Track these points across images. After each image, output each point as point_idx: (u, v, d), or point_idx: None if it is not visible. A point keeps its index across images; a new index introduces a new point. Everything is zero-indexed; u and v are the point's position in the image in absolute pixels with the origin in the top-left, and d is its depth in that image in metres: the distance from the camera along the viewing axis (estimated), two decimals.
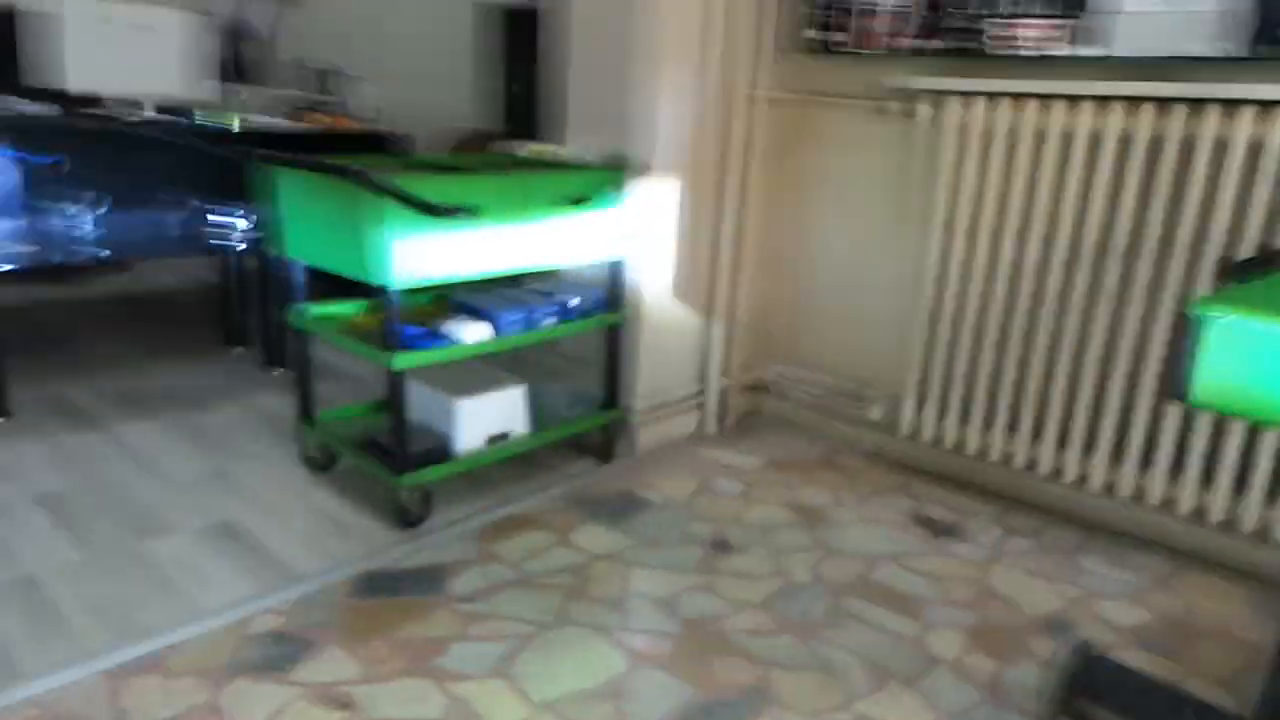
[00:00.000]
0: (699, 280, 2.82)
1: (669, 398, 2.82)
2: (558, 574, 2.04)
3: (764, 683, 1.70)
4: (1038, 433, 2.44)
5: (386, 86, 4.28)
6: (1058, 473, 2.42)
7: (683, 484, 2.55)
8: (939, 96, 2.45)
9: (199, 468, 2.46)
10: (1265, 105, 1.97)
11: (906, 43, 2.50)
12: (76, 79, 2.98)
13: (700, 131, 2.65)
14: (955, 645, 1.85)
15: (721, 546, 2.21)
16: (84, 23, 3.00)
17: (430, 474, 2.18)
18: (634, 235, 2.55)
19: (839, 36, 2.64)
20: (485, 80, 3.63)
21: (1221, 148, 2.05)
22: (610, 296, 2.54)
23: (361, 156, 2.35)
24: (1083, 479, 2.39)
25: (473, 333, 2.20)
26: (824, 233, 2.90)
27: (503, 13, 3.36)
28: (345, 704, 1.58)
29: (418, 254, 1.99)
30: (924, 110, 2.49)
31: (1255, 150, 2.02)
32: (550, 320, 2.38)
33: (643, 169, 2.50)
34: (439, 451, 2.25)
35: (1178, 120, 2.08)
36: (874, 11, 2.51)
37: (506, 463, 2.53)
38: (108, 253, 2.93)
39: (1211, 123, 2.04)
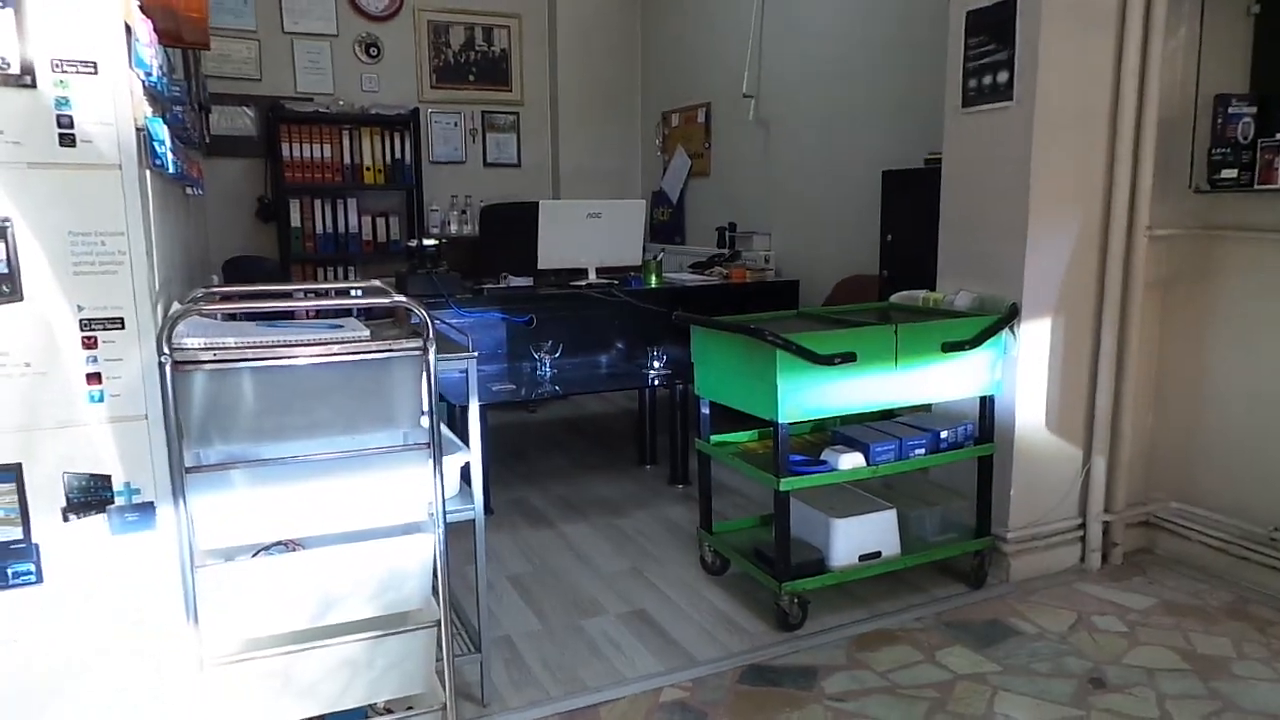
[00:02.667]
0: (1075, 414, 2.84)
1: (1044, 529, 2.82)
2: (923, 688, 2.19)
3: None
4: None
5: (775, 239, 4.87)
6: None
7: (1058, 616, 2.54)
8: None
9: (619, 563, 3.00)
10: None
11: None
12: (545, 257, 3.92)
13: (1075, 270, 2.74)
14: None
15: (1098, 683, 2.19)
16: (552, 216, 3.95)
17: (807, 584, 2.48)
18: (1006, 372, 2.68)
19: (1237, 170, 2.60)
20: (864, 231, 4.02)
21: None
22: (981, 428, 2.68)
23: (760, 314, 2.81)
24: None
25: (848, 461, 2.49)
26: (1225, 368, 2.77)
27: (881, 173, 3.77)
28: None
29: (803, 394, 2.36)
30: None
31: None
32: (920, 451, 2.59)
33: (1014, 311, 2.65)
34: (816, 564, 2.54)
35: None
36: None
37: (877, 580, 2.73)
38: (559, 389, 3.74)
39: None
